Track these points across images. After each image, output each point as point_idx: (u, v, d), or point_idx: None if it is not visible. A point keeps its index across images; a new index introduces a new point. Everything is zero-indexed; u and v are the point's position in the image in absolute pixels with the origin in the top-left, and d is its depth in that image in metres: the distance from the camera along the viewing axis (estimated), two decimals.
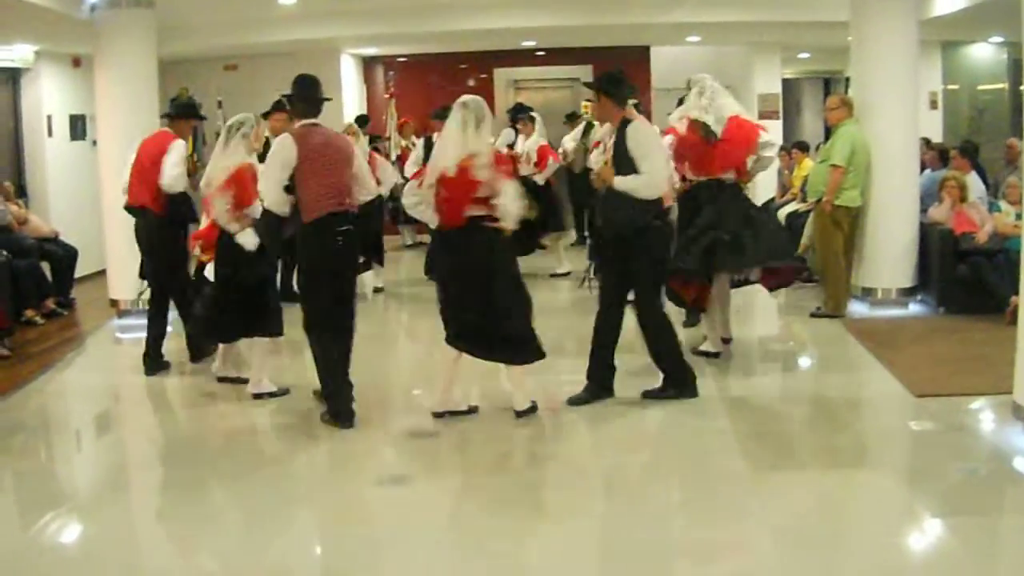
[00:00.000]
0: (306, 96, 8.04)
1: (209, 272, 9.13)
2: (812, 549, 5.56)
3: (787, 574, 5.29)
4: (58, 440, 8.40)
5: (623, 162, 7.89)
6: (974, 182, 12.00)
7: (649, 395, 8.24)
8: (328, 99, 8.24)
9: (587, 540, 5.86)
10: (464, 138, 7.52)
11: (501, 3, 15.07)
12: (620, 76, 8.09)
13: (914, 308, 11.28)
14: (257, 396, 8.60)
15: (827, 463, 6.98)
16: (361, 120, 16.20)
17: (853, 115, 10.99)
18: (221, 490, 6.94)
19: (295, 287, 9.12)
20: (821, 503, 6.25)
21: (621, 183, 7.84)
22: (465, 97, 7.78)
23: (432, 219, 7.81)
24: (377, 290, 13.52)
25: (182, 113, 9.78)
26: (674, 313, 8.95)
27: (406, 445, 7.63)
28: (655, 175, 7.86)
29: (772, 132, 18.03)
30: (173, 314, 9.75)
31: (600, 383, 8.27)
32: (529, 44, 18.60)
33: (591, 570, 5.51)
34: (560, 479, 6.88)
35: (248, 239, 8.47)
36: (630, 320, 8.21)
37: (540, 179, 13.56)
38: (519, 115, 14.43)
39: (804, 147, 15.73)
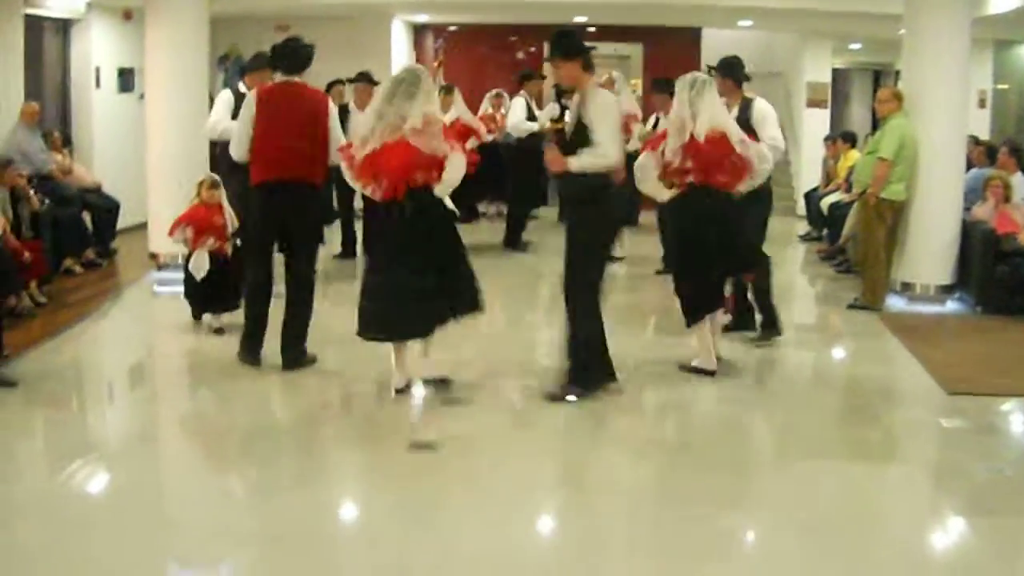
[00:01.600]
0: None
1: (198, 260, 9.21)
2: (836, 540, 5.54)
3: (810, 563, 5.27)
4: (90, 389, 8.48)
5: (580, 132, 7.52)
6: (1020, 182, 11.89)
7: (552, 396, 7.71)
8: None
9: (611, 524, 5.87)
10: (385, 108, 7.31)
11: None
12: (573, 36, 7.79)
13: (952, 306, 11.19)
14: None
15: (855, 455, 6.96)
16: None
17: (903, 109, 10.91)
18: (250, 447, 6.98)
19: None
20: (847, 494, 6.22)
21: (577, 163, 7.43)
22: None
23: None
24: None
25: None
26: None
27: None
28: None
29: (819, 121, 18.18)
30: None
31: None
32: (580, 20, 18.54)
33: (616, 554, 5.52)
34: (589, 459, 6.90)
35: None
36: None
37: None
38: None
39: (850, 138, 15.63)
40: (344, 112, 11.39)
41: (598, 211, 7.55)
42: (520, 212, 14.46)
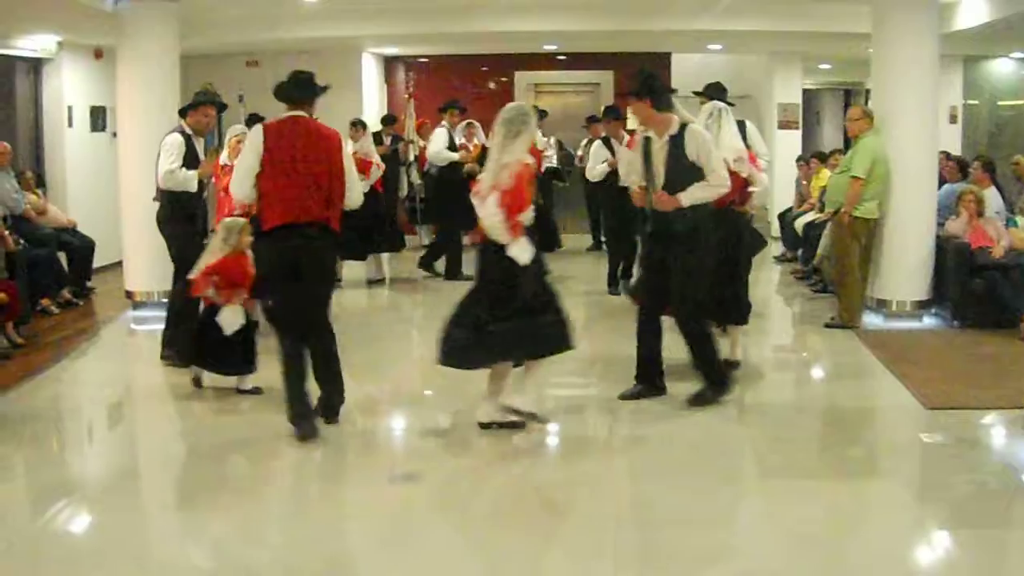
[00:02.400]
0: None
1: (232, 316, 8.45)
2: (819, 557, 5.56)
3: None
4: (70, 429, 8.43)
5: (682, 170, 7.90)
6: (992, 197, 11.98)
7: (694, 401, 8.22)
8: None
9: (593, 541, 5.85)
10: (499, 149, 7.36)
11: (523, 6, 15.04)
12: (657, 77, 8.18)
13: (928, 321, 11.25)
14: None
15: (838, 472, 6.97)
16: (386, 120, 16.37)
17: (874, 127, 10.97)
18: (231, 484, 6.98)
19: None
20: (830, 512, 6.23)
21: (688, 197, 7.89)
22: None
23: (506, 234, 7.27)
24: (374, 282, 14.13)
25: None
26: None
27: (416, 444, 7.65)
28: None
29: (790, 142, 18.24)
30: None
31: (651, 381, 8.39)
32: (550, 48, 18.63)
33: (597, 571, 5.51)
34: (565, 479, 6.88)
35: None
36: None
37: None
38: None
39: (822, 157, 15.70)
40: None
41: (706, 239, 8.05)
42: (447, 239, 14.43)
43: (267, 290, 7.85)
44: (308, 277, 7.52)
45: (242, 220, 8.63)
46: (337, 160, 7.53)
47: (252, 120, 12.52)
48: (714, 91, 9.67)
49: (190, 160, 9.43)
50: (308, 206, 7.38)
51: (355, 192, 7.74)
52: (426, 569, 5.53)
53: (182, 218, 9.51)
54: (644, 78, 8.01)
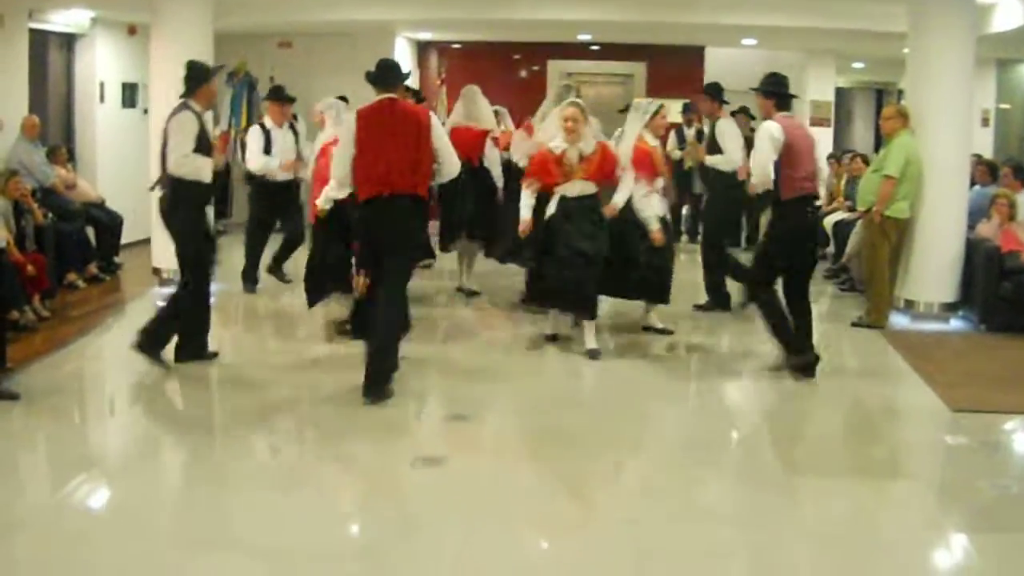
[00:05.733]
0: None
1: None
2: (840, 556, 5.54)
3: None
4: (92, 403, 8.47)
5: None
6: (1022, 202, 11.89)
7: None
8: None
9: (617, 537, 5.84)
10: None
11: None
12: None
13: (955, 324, 11.19)
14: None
15: (860, 472, 6.94)
16: (415, 94, 15.49)
17: (908, 126, 10.90)
18: (253, 460, 7.00)
19: None
20: (852, 511, 6.21)
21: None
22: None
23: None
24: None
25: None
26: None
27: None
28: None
29: (822, 139, 18.14)
30: None
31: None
32: (584, 38, 18.54)
33: (621, 567, 5.49)
34: (590, 472, 6.87)
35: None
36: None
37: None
38: None
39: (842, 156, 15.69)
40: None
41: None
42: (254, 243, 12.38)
43: (365, 259, 8.44)
44: (391, 243, 8.08)
45: None
46: (424, 135, 8.05)
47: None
48: (714, 91, 11.57)
49: (203, 144, 8.69)
50: (395, 179, 7.93)
51: (449, 164, 8.27)
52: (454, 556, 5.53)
53: (192, 209, 8.78)
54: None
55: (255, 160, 11.68)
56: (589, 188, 9.35)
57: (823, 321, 11.69)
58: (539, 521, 6.03)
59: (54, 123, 14.24)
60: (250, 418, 7.72)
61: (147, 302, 11.53)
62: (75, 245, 12.11)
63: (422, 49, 19.63)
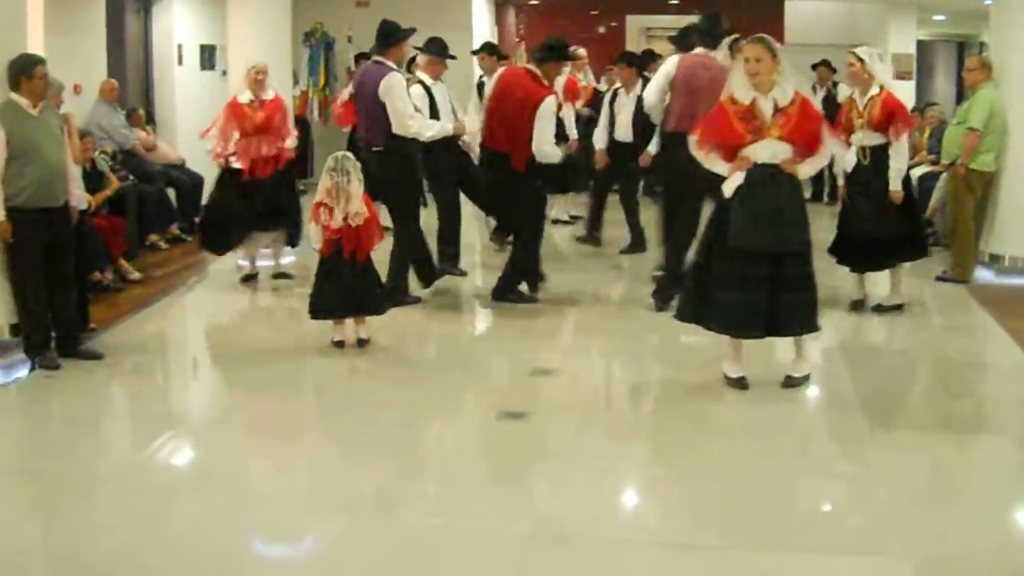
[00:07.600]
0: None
1: None
2: (922, 510, 5.49)
3: (896, 531, 5.19)
4: (174, 363, 8.57)
5: None
6: None
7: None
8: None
9: (695, 491, 5.82)
10: None
11: None
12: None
13: None
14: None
15: (943, 426, 6.85)
16: (488, 47, 14.83)
17: (992, 79, 10.70)
18: (334, 418, 7.04)
19: None
20: (935, 466, 6.15)
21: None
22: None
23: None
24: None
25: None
26: None
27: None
28: None
29: (905, 93, 17.88)
30: None
31: None
32: None
33: (705, 517, 5.48)
34: (672, 423, 6.86)
35: None
36: None
37: None
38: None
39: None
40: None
41: None
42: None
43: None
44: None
45: None
46: (530, 115, 8.93)
47: (360, 58, 12.57)
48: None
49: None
50: (500, 139, 9.16)
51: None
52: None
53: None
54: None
55: (425, 125, 9.44)
56: (784, 151, 6.96)
57: (907, 275, 11.53)
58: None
59: (132, 86, 14.34)
60: (338, 378, 7.80)
61: (228, 261, 11.57)
62: (156, 207, 12.23)
63: (500, 6, 19.56)
